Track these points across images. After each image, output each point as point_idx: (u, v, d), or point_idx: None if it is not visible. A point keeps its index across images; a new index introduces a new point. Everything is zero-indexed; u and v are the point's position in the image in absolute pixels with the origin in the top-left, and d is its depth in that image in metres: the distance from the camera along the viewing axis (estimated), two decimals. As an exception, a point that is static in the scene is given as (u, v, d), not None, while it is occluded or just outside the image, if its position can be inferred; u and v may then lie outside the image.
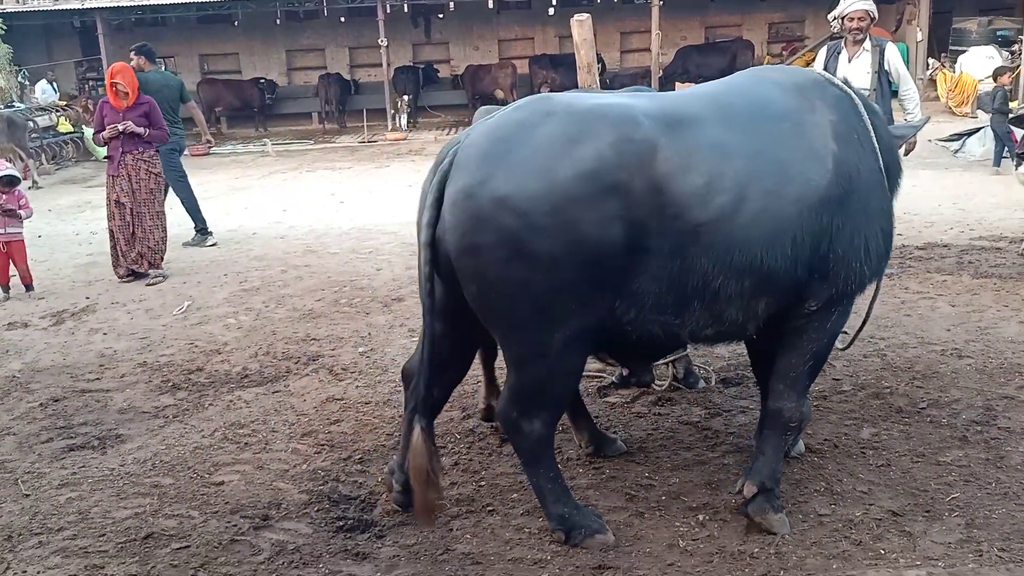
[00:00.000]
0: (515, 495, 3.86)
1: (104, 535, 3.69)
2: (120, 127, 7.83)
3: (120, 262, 8.07)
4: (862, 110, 3.52)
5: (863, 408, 4.52)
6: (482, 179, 3.06)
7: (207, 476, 4.17)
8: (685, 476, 3.95)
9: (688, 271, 3.18)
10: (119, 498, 4.01)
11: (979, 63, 17.38)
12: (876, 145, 3.51)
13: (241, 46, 24.03)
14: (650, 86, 19.00)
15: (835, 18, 6.55)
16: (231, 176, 15.22)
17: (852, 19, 6.44)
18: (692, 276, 3.19)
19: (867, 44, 6.44)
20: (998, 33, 19.08)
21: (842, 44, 6.53)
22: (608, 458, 4.12)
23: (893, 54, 6.47)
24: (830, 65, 6.49)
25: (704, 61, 21.66)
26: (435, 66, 23.43)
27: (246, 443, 4.52)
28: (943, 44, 20.22)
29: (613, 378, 4.98)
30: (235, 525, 3.70)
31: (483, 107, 4.35)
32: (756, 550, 3.34)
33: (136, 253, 8.01)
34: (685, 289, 3.21)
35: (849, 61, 6.52)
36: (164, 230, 8.24)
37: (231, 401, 5.11)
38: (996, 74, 12.57)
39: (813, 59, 7.89)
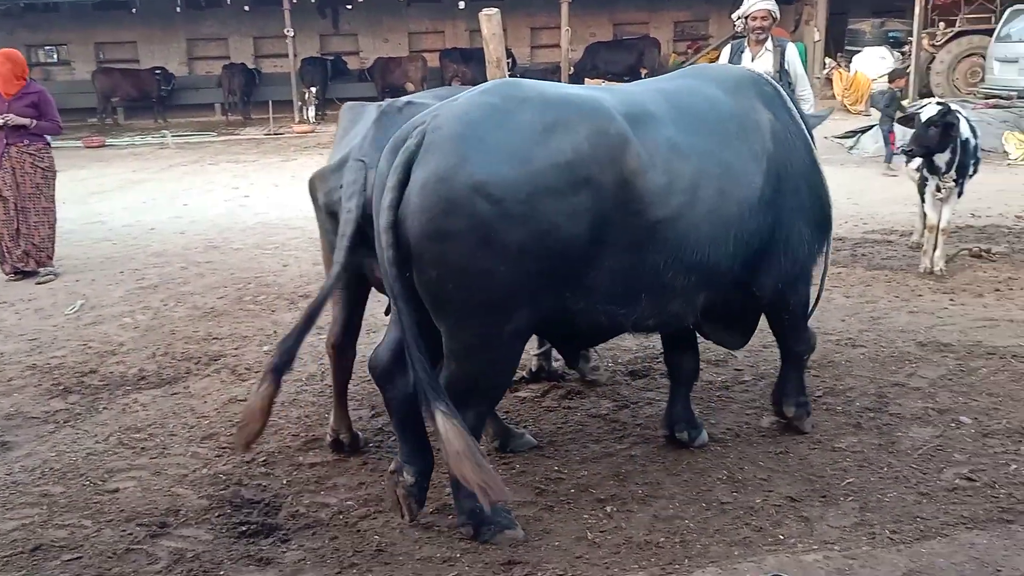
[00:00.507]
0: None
1: (-12, 549, 3.49)
2: (0, 119, 7.39)
3: (6, 259, 7.67)
4: (791, 106, 3.70)
5: (763, 397, 4.62)
6: (456, 163, 2.95)
7: (101, 483, 3.98)
8: (593, 468, 3.98)
9: (640, 265, 3.26)
10: (5, 509, 3.78)
11: (872, 63, 18.14)
12: (809, 140, 3.75)
13: (139, 34, 23.18)
14: (560, 82, 19.10)
15: (739, 17, 6.68)
16: (128, 169, 14.67)
17: (755, 19, 6.58)
18: (644, 270, 3.27)
19: (769, 44, 6.58)
20: (890, 34, 19.92)
21: (745, 43, 6.66)
22: (517, 453, 4.12)
23: (792, 55, 6.63)
24: (733, 63, 6.62)
25: (613, 58, 21.96)
26: (344, 58, 23.08)
27: (143, 448, 4.34)
28: (839, 44, 20.99)
29: (523, 373, 4.99)
30: (131, 534, 3.55)
31: (349, 103, 4.15)
32: (662, 540, 3.38)
33: (21, 251, 7.61)
34: (636, 282, 3.29)
35: (752, 60, 6.65)
36: (51, 226, 7.81)
37: (127, 404, 4.91)
38: (892, 77, 13.13)
39: (717, 57, 8.06)
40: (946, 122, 6.22)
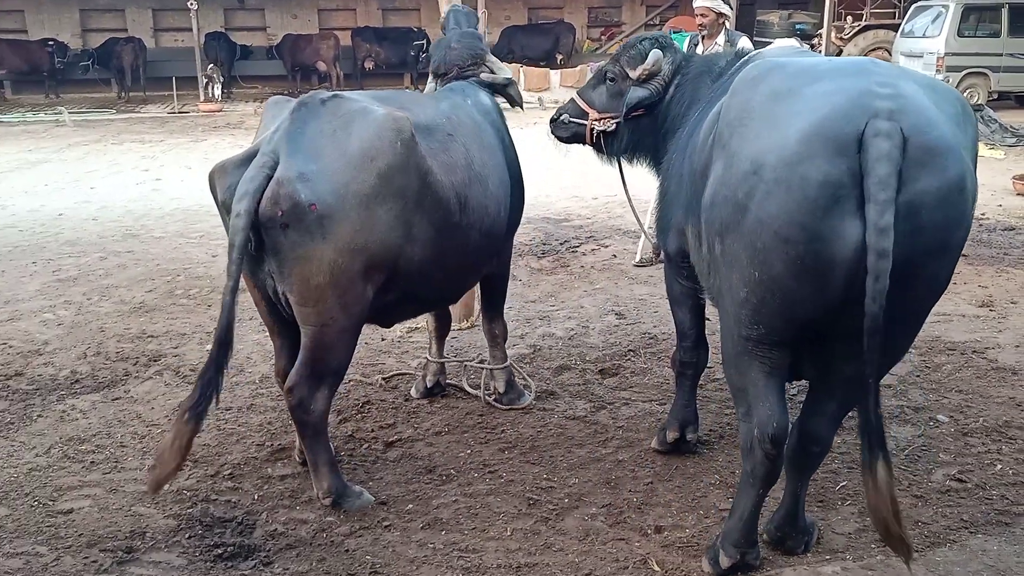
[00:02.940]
0: (410, 506, 3.62)
1: (-72, 585, 3.11)
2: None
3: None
4: None
5: (739, 396, 4.59)
6: (964, 170, 2.62)
7: (51, 503, 3.62)
8: (583, 475, 3.85)
9: None
10: (-59, 536, 3.40)
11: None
12: None
13: (27, 3, 21.78)
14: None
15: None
16: (22, 148, 13.74)
17: (696, 15, 6.62)
18: None
19: (721, 39, 6.57)
20: (797, 26, 20.47)
21: (699, 37, 6.65)
22: (503, 461, 3.96)
23: (746, 48, 6.64)
24: (690, 56, 6.59)
25: (529, 42, 21.84)
26: (250, 34, 22.26)
27: (92, 461, 3.98)
28: (748, 35, 21.43)
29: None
30: (95, 561, 3.22)
31: (275, 97, 3.76)
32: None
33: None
34: None
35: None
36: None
37: (64, 411, 4.50)
38: None
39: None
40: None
